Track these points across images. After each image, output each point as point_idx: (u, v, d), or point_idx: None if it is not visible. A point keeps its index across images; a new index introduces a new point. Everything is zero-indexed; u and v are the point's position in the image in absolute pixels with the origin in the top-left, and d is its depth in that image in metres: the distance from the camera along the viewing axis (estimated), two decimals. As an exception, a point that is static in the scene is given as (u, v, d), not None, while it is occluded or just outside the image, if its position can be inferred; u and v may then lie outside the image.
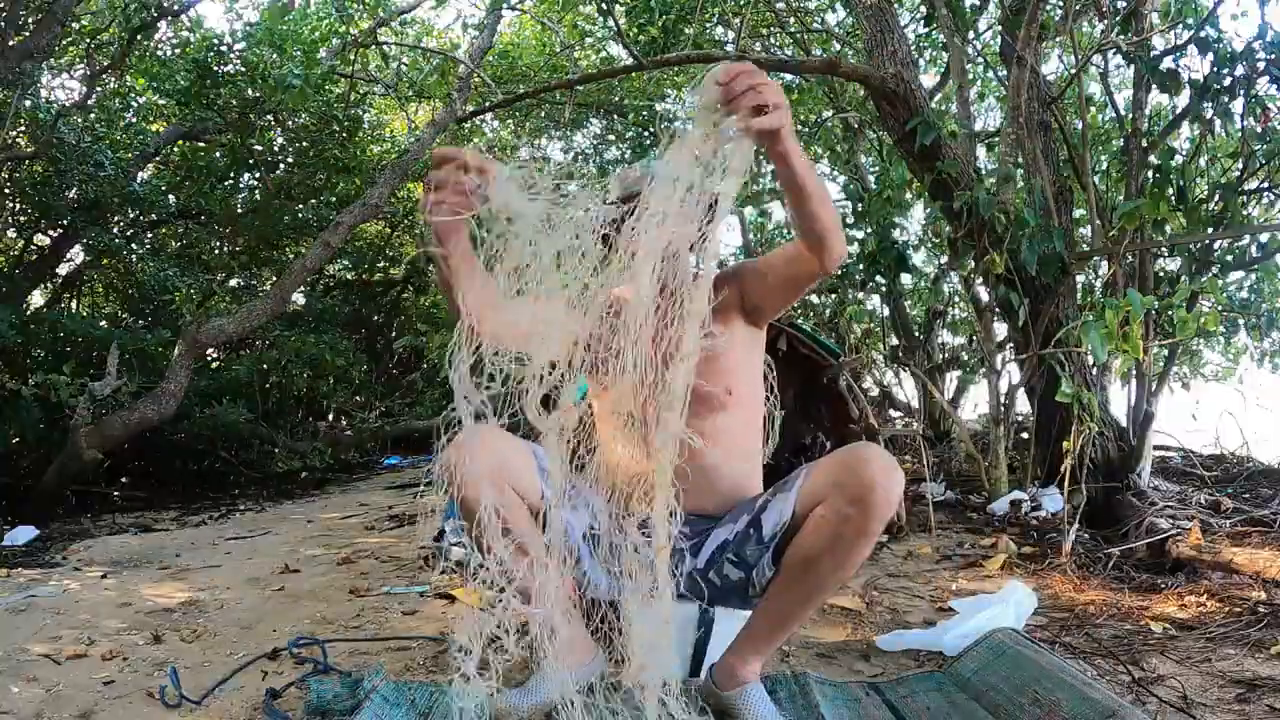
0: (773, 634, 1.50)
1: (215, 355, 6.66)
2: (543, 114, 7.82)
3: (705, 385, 1.49)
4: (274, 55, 5.33)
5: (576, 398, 1.25)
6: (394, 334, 8.52)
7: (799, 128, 6.96)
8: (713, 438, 1.55)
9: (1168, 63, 3.37)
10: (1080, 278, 3.88)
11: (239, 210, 6.48)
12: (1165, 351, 3.60)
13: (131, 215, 5.83)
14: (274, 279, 6.47)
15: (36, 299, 6.19)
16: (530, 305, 1.22)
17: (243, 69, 5.25)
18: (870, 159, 6.60)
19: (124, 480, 5.29)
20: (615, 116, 7.87)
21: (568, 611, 1.55)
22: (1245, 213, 3.60)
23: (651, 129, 7.65)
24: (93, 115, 5.50)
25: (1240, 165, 3.46)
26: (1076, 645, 1.89)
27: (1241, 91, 3.20)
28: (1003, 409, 3.69)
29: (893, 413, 5.89)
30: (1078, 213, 4.33)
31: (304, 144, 6.17)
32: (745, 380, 1.61)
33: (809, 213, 1.35)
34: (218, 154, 6.07)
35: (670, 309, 1.20)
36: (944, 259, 4.68)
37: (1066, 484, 2.81)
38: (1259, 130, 3.27)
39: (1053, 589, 2.39)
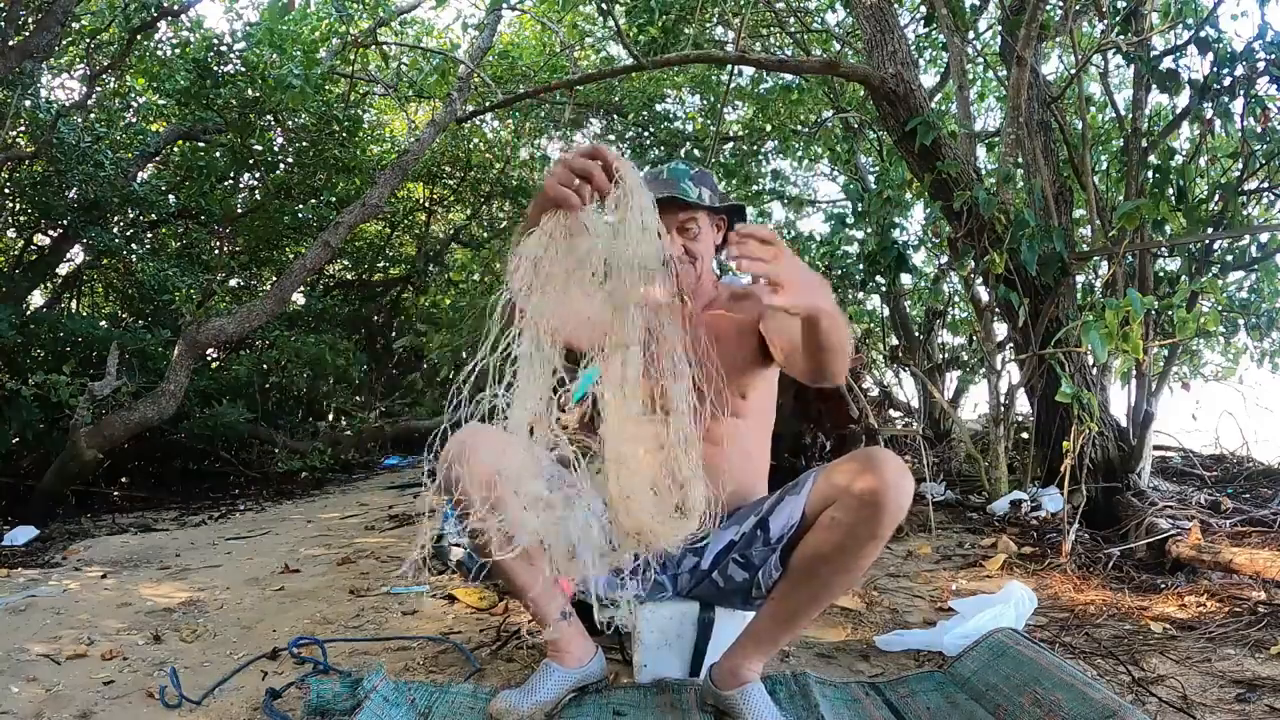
0: (777, 634, 1.50)
1: (215, 355, 6.66)
2: (543, 114, 7.82)
3: (721, 388, 1.49)
4: (274, 55, 5.33)
5: (580, 393, 1.25)
6: (394, 334, 8.53)
7: (798, 128, 6.96)
8: (723, 441, 1.55)
9: (1168, 63, 3.37)
10: (1080, 278, 3.87)
11: (239, 210, 6.48)
12: (1165, 351, 3.60)
13: (131, 215, 5.83)
14: (274, 279, 6.47)
15: (36, 299, 6.18)
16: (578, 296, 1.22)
17: (243, 69, 5.25)
18: (870, 159, 6.60)
19: (124, 480, 5.29)
20: (615, 116, 7.87)
21: (566, 611, 1.55)
22: (1245, 213, 3.60)
23: (651, 129, 7.65)
24: (93, 115, 5.50)
25: (1240, 165, 3.46)
26: (1076, 645, 1.89)
27: (1241, 91, 3.20)
28: (1003, 409, 3.69)
29: (893, 413, 5.88)
30: (1078, 213, 4.33)
31: (304, 144, 6.17)
32: (758, 390, 1.62)
33: (812, 362, 1.32)
34: (218, 154, 6.07)
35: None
36: (944, 259, 4.68)
37: (1066, 484, 2.81)
38: (1259, 130, 3.26)
39: (1053, 589, 2.38)
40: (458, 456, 1.41)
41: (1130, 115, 3.61)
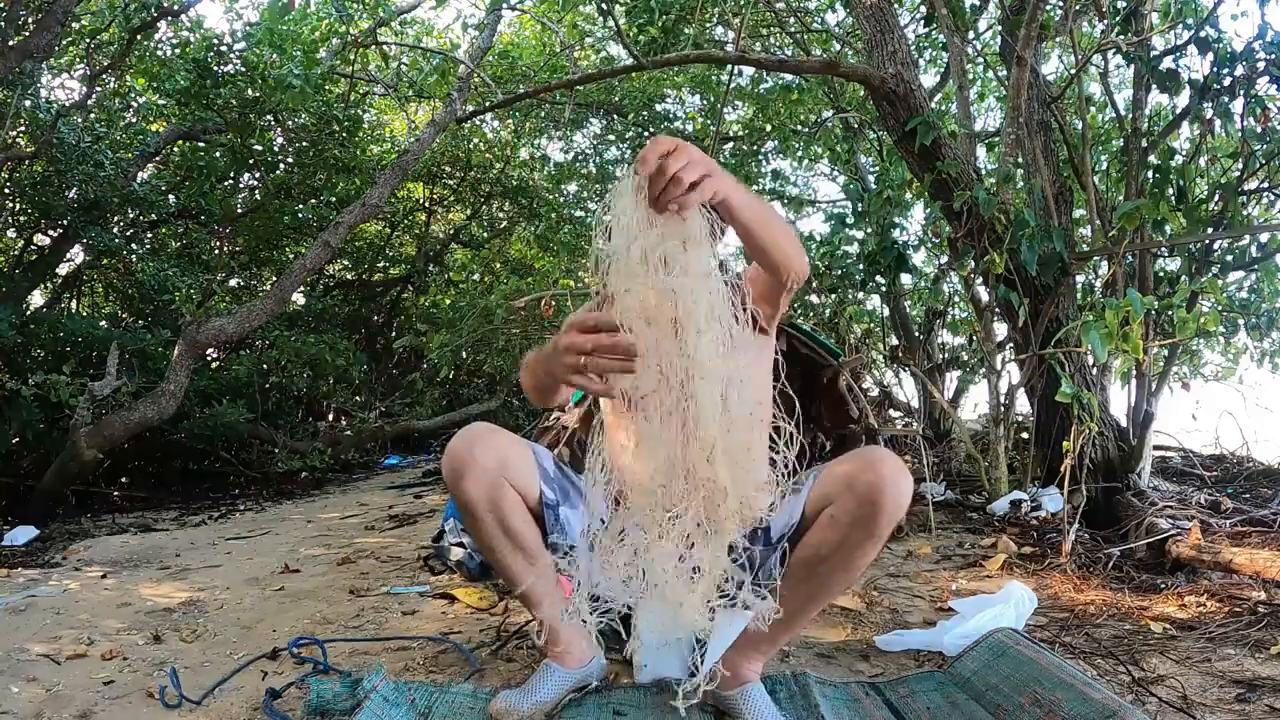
0: (776, 634, 1.50)
1: (215, 355, 6.66)
2: (543, 114, 7.82)
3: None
4: (274, 55, 5.33)
5: (579, 393, 1.25)
6: (394, 334, 8.53)
7: (798, 128, 6.97)
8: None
9: (1168, 63, 3.37)
10: (1080, 278, 3.87)
11: (239, 210, 6.48)
12: (1165, 351, 3.60)
13: (131, 215, 5.84)
14: (274, 279, 6.47)
15: (36, 299, 6.19)
16: None
17: (243, 69, 5.26)
18: (870, 159, 6.60)
19: (124, 480, 5.29)
20: (615, 116, 7.87)
21: (567, 611, 1.55)
22: (1245, 213, 3.60)
23: (651, 129, 7.65)
24: (93, 115, 5.50)
25: (1240, 165, 3.46)
26: (1076, 645, 1.89)
27: (1241, 91, 3.20)
28: (1003, 409, 3.69)
29: (893, 413, 5.88)
30: (1078, 213, 4.33)
31: (304, 144, 6.18)
32: (754, 385, 1.59)
33: (758, 248, 1.32)
34: (218, 154, 6.07)
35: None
36: (944, 259, 4.68)
37: (1066, 484, 2.81)
38: (1259, 130, 3.26)
39: (1053, 589, 2.38)
40: (463, 457, 1.41)
41: (1130, 115, 3.61)
